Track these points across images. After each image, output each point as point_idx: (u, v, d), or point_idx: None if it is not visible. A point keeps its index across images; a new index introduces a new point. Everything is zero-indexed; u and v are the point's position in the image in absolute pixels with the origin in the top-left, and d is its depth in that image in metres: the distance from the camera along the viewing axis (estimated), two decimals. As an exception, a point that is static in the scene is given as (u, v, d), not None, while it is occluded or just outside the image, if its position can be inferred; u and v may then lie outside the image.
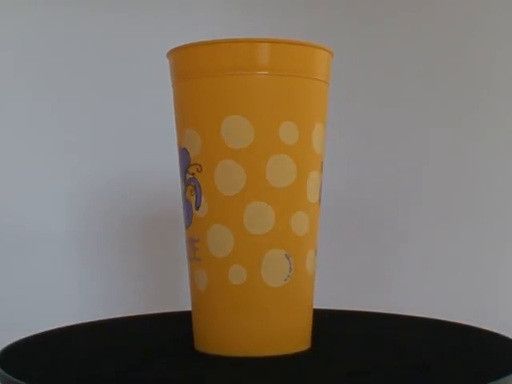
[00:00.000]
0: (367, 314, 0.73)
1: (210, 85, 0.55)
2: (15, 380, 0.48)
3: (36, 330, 0.64)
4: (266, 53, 0.55)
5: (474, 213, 0.95)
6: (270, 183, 0.55)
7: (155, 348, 0.60)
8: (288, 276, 0.56)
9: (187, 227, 0.58)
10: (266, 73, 0.55)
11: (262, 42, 0.55)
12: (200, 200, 0.57)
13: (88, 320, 0.70)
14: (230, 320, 0.56)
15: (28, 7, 0.85)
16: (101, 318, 0.71)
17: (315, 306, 0.60)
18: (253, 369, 0.53)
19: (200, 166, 0.57)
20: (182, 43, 0.57)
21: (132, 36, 0.90)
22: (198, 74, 0.56)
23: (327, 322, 0.65)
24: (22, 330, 0.63)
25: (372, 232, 0.99)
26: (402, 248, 0.98)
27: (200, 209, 0.57)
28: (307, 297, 0.58)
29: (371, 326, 0.69)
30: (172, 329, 0.68)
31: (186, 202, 0.58)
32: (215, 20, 0.94)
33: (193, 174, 0.57)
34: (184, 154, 0.58)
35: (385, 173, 0.99)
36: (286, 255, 0.56)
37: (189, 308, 0.60)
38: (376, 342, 0.62)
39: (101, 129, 0.89)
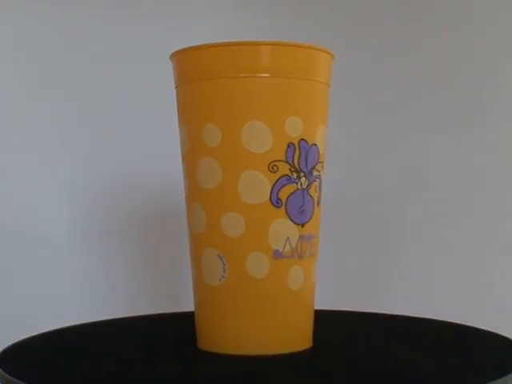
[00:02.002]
0: (366, 314, 0.73)
1: (213, 87, 0.56)
2: (15, 380, 0.48)
3: (37, 330, 0.64)
4: (268, 55, 0.55)
5: (474, 213, 0.95)
6: (200, 185, 0.57)
7: (158, 347, 0.60)
8: (223, 276, 0.56)
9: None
10: (268, 75, 0.55)
11: (263, 44, 0.55)
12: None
13: (90, 320, 0.70)
14: (218, 318, 0.57)
15: (28, 7, 0.85)
16: (103, 319, 0.71)
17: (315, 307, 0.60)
18: (248, 367, 0.54)
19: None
20: (185, 46, 0.57)
21: (133, 37, 0.90)
22: (200, 76, 0.56)
23: (326, 322, 0.65)
24: (23, 330, 0.63)
25: (372, 232, 1.00)
26: (402, 248, 0.98)
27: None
28: (246, 298, 0.56)
29: (370, 326, 0.69)
30: (175, 328, 0.68)
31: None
32: (217, 22, 0.94)
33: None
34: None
35: (385, 173, 0.99)
36: (218, 255, 0.56)
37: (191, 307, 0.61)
38: (375, 341, 0.62)
39: (102, 129, 0.89)
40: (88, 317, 0.71)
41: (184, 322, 0.65)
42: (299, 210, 0.57)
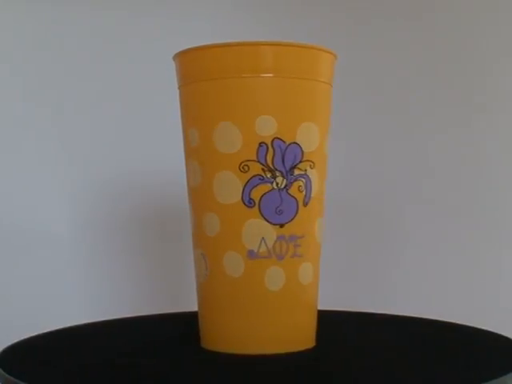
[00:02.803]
0: (367, 315, 0.73)
1: (216, 87, 0.56)
2: (15, 380, 0.48)
3: (37, 330, 0.64)
4: (271, 55, 0.55)
5: (474, 213, 0.95)
6: (189, 185, 0.59)
7: (160, 347, 0.60)
8: (205, 275, 0.58)
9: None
10: (271, 75, 0.55)
11: (266, 44, 0.55)
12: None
13: (91, 321, 0.70)
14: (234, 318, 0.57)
15: (28, 7, 0.85)
16: (104, 319, 0.71)
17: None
18: (257, 366, 0.54)
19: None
20: (184, 46, 0.57)
21: (133, 37, 0.90)
22: (204, 76, 0.56)
23: (331, 322, 0.65)
24: (24, 330, 0.63)
25: (372, 232, 0.99)
26: (402, 248, 0.98)
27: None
28: (227, 296, 0.57)
29: (371, 326, 0.69)
30: (179, 328, 0.68)
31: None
32: (216, 23, 0.94)
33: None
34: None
35: (385, 173, 0.99)
36: (201, 254, 0.58)
37: (194, 307, 0.61)
38: (376, 341, 0.62)
39: (102, 128, 0.89)
40: (90, 317, 0.71)
41: (188, 321, 0.65)
42: (276, 210, 0.56)
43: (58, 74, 0.86)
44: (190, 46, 0.57)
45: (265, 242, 0.56)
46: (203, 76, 0.56)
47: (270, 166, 0.56)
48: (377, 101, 0.99)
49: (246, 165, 0.56)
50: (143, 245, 0.91)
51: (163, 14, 0.92)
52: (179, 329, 0.67)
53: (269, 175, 0.56)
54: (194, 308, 0.61)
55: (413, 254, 0.97)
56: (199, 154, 0.57)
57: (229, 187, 0.56)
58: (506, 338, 0.61)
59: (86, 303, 0.87)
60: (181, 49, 0.58)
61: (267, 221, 0.56)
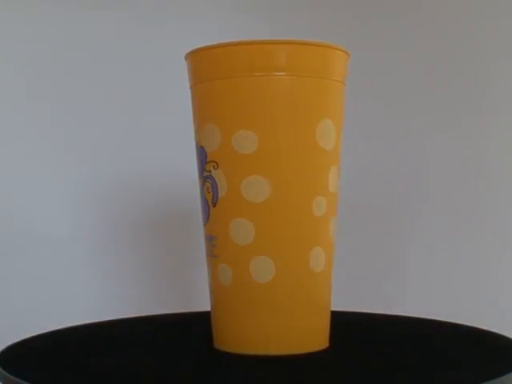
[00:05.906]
0: (368, 315, 0.73)
1: (229, 86, 0.56)
2: (15, 379, 0.48)
3: (37, 330, 0.64)
4: (284, 54, 0.55)
5: (474, 213, 0.95)
6: None
7: (174, 347, 0.60)
8: None
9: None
10: (284, 74, 0.55)
11: (279, 43, 0.55)
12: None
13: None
14: (247, 318, 0.57)
15: (28, 7, 0.85)
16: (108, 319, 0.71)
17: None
18: (271, 366, 0.54)
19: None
20: (191, 46, 0.57)
21: (134, 37, 0.90)
22: (216, 75, 0.56)
23: (344, 323, 0.65)
24: (24, 330, 0.63)
25: (375, 233, 0.99)
26: (401, 248, 0.98)
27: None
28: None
29: (372, 327, 0.69)
30: (189, 328, 0.68)
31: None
32: (227, 22, 0.94)
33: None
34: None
35: (389, 173, 0.99)
36: None
37: (201, 308, 0.61)
38: (377, 342, 0.62)
39: (108, 128, 0.89)
40: (91, 318, 0.70)
41: (198, 321, 0.65)
42: (201, 211, 0.59)
43: (59, 73, 0.86)
44: (198, 46, 0.57)
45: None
46: (216, 75, 0.56)
47: (197, 170, 0.59)
48: (377, 101, 0.99)
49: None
50: (147, 245, 0.91)
51: (165, 14, 0.92)
52: (191, 329, 0.67)
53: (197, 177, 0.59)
54: (201, 308, 0.61)
55: (412, 255, 0.97)
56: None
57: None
58: (507, 338, 0.61)
59: (86, 304, 0.87)
60: (185, 48, 0.58)
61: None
